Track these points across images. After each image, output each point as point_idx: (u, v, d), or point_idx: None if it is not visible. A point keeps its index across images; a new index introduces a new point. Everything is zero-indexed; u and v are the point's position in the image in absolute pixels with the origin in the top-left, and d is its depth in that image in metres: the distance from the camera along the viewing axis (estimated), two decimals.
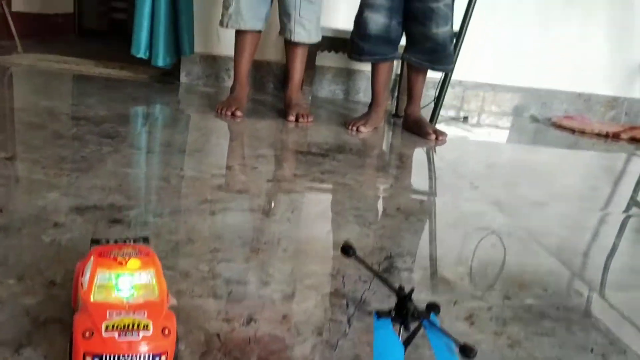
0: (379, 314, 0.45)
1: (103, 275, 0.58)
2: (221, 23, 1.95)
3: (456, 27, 2.07)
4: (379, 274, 0.51)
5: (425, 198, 1.28)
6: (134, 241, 0.66)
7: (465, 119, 2.49)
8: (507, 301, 0.80)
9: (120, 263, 0.59)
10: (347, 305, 0.74)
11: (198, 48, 2.57)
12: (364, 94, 2.68)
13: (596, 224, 1.23)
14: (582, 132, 2.46)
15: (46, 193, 1.01)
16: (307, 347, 0.63)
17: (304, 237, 0.97)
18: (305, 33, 1.93)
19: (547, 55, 2.74)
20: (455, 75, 2.17)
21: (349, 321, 0.69)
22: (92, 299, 0.56)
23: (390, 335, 0.43)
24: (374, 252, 0.92)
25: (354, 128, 1.93)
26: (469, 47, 2.19)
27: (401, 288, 0.45)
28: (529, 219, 1.19)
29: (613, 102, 2.84)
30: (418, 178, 1.45)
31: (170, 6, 2.42)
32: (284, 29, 1.97)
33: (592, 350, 0.70)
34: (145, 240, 0.67)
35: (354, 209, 1.12)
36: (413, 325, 0.45)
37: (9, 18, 3.39)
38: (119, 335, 0.53)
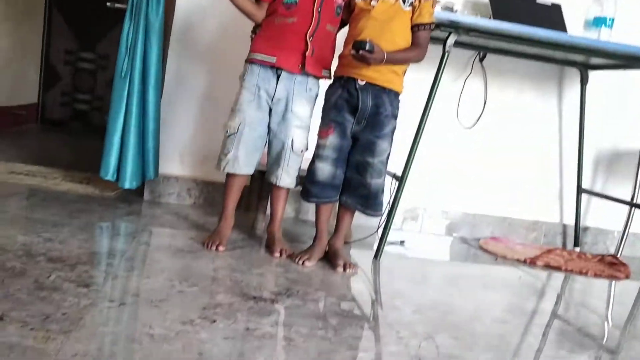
0: None
1: None
2: (218, 167, 2.23)
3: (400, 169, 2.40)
4: None
5: (357, 354, 1.52)
6: None
7: (402, 242, 2.78)
8: None
9: None
10: None
11: (161, 169, 2.81)
12: (312, 214, 2.95)
13: None
14: (504, 258, 2.78)
15: None
16: None
17: None
18: (289, 180, 2.25)
19: (476, 183, 3.10)
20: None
21: None
22: None
23: None
24: None
25: (300, 262, 2.18)
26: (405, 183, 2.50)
27: None
28: None
29: (533, 226, 3.20)
30: (352, 328, 1.68)
31: (140, 134, 2.67)
32: (270, 174, 2.27)
33: None
34: None
35: None
36: None
37: None
38: None
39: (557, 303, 2.30)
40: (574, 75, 3.09)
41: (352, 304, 1.93)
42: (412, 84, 2.33)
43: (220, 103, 2.81)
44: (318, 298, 1.89)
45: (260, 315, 1.66)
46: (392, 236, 2.57)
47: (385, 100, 2.17)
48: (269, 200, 2.42)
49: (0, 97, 4.39)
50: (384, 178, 2.23)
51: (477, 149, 3.09)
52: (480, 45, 2.82)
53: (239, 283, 1.90)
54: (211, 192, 2.90)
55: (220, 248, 2.18)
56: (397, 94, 2.21)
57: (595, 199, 3.23)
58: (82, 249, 1.98)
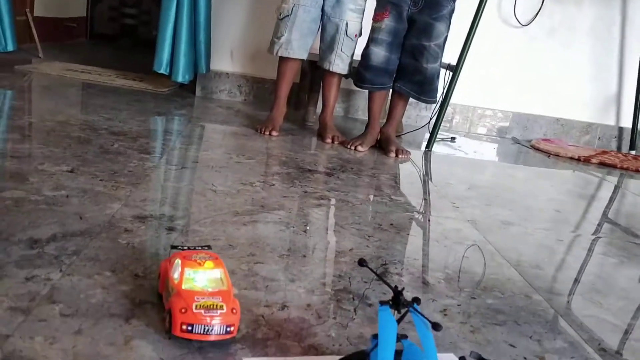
0: (382, 303, 0.70)
1: (189, 272, 0.83)
2: (270, 51, 2.21)
3: (454, 60, 2.35)
4: (383, 279, 0.77)
5: (413, 215, 1.54)
6: (202, 248, 0.92)
7: (453, 139, 2.76)
8: (472, 300, 1.07)
9: (200, 264, 0.85)
10: (353, 298, 0.99)
11: (212, 65, 2.83)
12: (362, 112, 2.94)
13: (551, 243, 1.49)
14: (557, 156, 2.73)
15: (110, 204, 1.26)
16: (326, 327, 0.89)
17: (318, 245, 1.22)
18: (342, 65, 2.22)
19: (529, 82, 3.02)
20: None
21: (354, 310, 0.95)
22: (183, 287, 0.82)
23: (388, 315, 0.69)
24: (372, 260, 1.18)
25: (353, 147, 2.19)
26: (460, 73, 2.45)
27: (396, 287, 0.71)
28: (497, 236, 1.46)
29: (588, 128, 3.12)
30: (407, 197, 1.70)
31: (191, 27, 2.68)
32: (323, 60, 2.25)
33: (531, 337, 0.96)
34: (209, 247, 0.93)
35: (356, 224, 1.38)
36: (403, 311, 0.71)
37: (32, 24, 3.63)
38: (204, 312, 0.78)
39: (614, 192, 2.26)
40: None
41: (405, 180, 1.95)
42: None
43: None
44: (372, 174, 1.91)
45: (317, 182, 1.69)
46: (442, 134, 2.56)
47: None
48: (321, 91, 2.41)
49: (51, 8, 4.43)
50: (440, 63, 2.19)
51: (532, 48, 2.99)
52: None
53: (294, 159, 1.93)
54: (261, 90, 2.91)
55: (274, 133, 2.20)
56: None
57: None
58: (141, 127, 2.03)
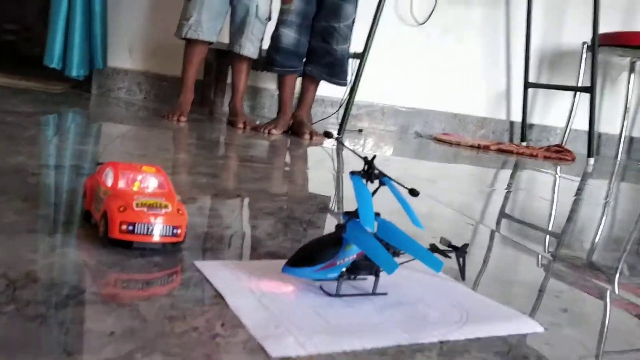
0: (353, 173, 0.65)
1: (124, 175, 0.73)
2: (178, 34, 2.11)
3: (358, 49, 2.38)
4: (352, 150, 0.72)
5: (339, 173, 1.51)
6: None
7: (360, 131, 2.78)
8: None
9: (136, 168, 0.75)
10: (300, 223, 0.93)
11: (110, 62, 2.67)
12: (268, 110, 2.90)
13: (475, 193, 1.51)
14: (458, 145, 2.83)
15: (14, 156, 1.11)
16: (278, 241, 0.82)
17: (251, 189, 1.15)
18: (252, 49, 2.16)
19: (428, 79, 3.13)
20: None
21: (304, 229, 0.89)
22: (118, 188, 0.71)
23: (361, 182, 0.64)
24: (310, 199, 1.12)
25: (266, 131, 2.14)
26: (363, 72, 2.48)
27: (366, 157, 0.66)
28: (424, 188, 1.45)
29: (483, 122, 3.28)
30: (327, 163, 1.67)
31: (86, 17, 2.51)
32: (233, 43, 2.17)
33: (479, 245, 0.94)
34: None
35: (287, 177, 1.33)
36: (376, 182, 0.66)
37: None
38: (147, 209, 0.68)
39: (515, 167, 2.36)
40: None
41: (323, 154, 1.91)
42: None
43: None
44: (290, 149, 1.86)
45: (237, 151, 1.62)
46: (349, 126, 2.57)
47: None
48: (231, 77, 2.34)
49: None
50: (349, 45, 2.20)
51: (429, 46, 3.11)
52: None
53: (207, 138, 1.84)
54: (163, 87, 2.78)
55: (182, 119, 2.09)
56: None
57: (540, 97, 3.34)
58: (37, 109, 1.85)
